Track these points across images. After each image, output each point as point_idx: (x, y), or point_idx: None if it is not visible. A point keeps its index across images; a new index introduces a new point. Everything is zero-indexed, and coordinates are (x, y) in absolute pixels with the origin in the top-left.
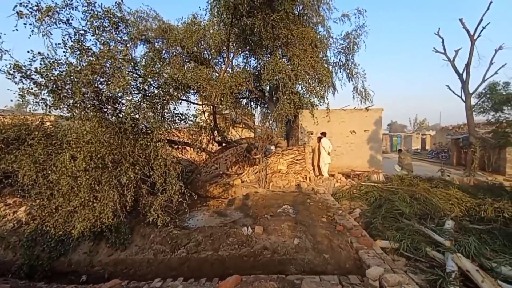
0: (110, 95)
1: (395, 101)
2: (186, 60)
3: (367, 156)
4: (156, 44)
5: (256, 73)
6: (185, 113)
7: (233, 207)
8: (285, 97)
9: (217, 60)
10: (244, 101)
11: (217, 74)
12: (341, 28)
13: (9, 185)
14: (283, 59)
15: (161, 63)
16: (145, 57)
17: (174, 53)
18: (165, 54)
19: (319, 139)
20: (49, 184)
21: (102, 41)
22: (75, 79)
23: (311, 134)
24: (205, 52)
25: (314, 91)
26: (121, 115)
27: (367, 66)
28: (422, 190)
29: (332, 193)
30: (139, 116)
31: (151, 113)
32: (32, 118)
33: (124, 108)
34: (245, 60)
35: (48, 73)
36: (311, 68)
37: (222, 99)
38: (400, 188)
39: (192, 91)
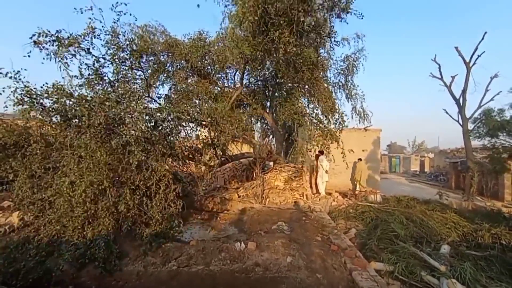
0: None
1: (394, 122)
2: (190, 74)
3: (365, 175)
4: (162, 57)
5: (258, 89)
6: (188, 135)
7: (228, 222)
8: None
9: (219, 75)
10: (245, 116)
11: (219, 89)
12: (341, 50)
13: (5, 190)
14: (302, 99)
15: (165, 75)
16: (150, 69)
17: (179, 66)
18: (170, 67)
19: (317, 156)
20: (44, 200)
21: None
22: (87, 111)
23: (310, 151)
24: (209, 67)
25: (329, 133)
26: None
27: (366, 88)
28: (419, 213)
29: (328, 211)
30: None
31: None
32: (32, 123)
33: (133, 133)
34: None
35: (59, 102)
36: (330, 111)
37: (235, 130)
38: (396, 210)
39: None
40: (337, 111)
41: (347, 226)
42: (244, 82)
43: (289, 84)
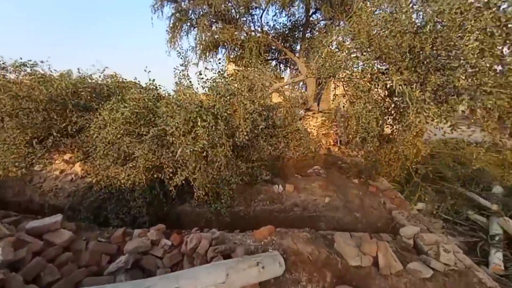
0: None
1: None
2: (213, 20)
3: None
4: (183, 3)
5: (287, 31)
6: None
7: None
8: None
9: (245, 19)
10: (274, 63)
11: (245, 34)
12: None
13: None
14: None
15: (188, 24)
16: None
17: (201, 12)
18: (192, 15)
19: None
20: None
21: None
22: None
23: (343, 96)
24: (233, 10)
25: None
26: None
27: None
28: (469, 155)
29: (364, 156)
30: None
31: None
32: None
33: None
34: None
35: None
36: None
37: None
38: (442, 152)
39: None
40: None
41: None
42: (272, 24)
43: (322, 22)
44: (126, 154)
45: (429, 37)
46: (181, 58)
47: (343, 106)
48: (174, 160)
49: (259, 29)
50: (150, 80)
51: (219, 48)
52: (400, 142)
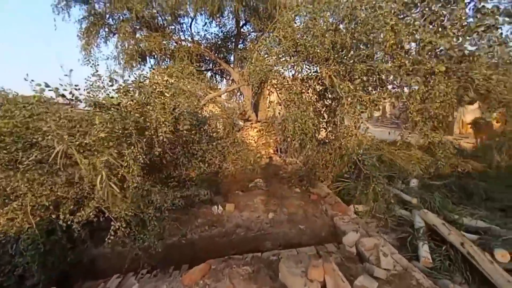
0: None
1: None
2: (137, 27)
3: None
4: (97, 5)
5: (219, 42)
6: None
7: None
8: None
9: (173, 27)
10: (209, 74)
11: (174, 43)
12: None
13: None
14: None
15: (106, 30)
16: (85, 22)
17: (121, 17)
18: (110, 19)
19: None
20: None
21: None
22: None
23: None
24: (159, 17)
25: None
26: None
27: None
28: (388, 153)
29: (303, 161)
30: None
31: None
32: None
33: None
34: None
35: None
36: None
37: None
38: (369, 152)
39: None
40: None
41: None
42: (203, 34)
43: (253, 33)
44: (4, 191)
45: (348, 32)
46: (91, 67)
47: (279, 113)
48: (79, 189)
49: (190, 38)
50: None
51: (147, 57)
52: (341, 135)
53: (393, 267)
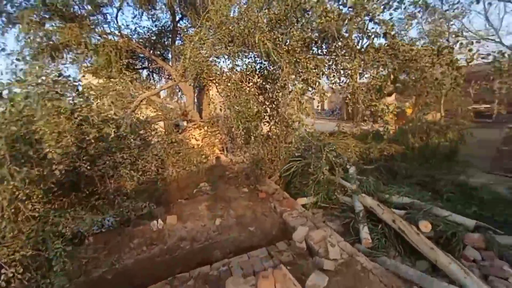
0: None
1: None
2: (46, 16)
3: None
4: None
5: (154, 37)
6: None
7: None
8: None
9: (95, 18)
10: (145, 72)
11: (98, 37)
12: None
13: None
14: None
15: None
16: None
17: (24, 4)
18: (8, 6)
19: None
20: None
21: None
22: None
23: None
24: (75, 5)
25: None
26: None
27: None
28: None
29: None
30: None
31: None
32: None
33: None
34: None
35: None
36: None
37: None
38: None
39: None
40: None
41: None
42: (134, 28)
43: (191, 29)
44: None
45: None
46: None
47: (220, 109)
48: None
49: (117, 31)
50: None
51: (63, 53)
52: (283, 124)
53: (340, 256)
